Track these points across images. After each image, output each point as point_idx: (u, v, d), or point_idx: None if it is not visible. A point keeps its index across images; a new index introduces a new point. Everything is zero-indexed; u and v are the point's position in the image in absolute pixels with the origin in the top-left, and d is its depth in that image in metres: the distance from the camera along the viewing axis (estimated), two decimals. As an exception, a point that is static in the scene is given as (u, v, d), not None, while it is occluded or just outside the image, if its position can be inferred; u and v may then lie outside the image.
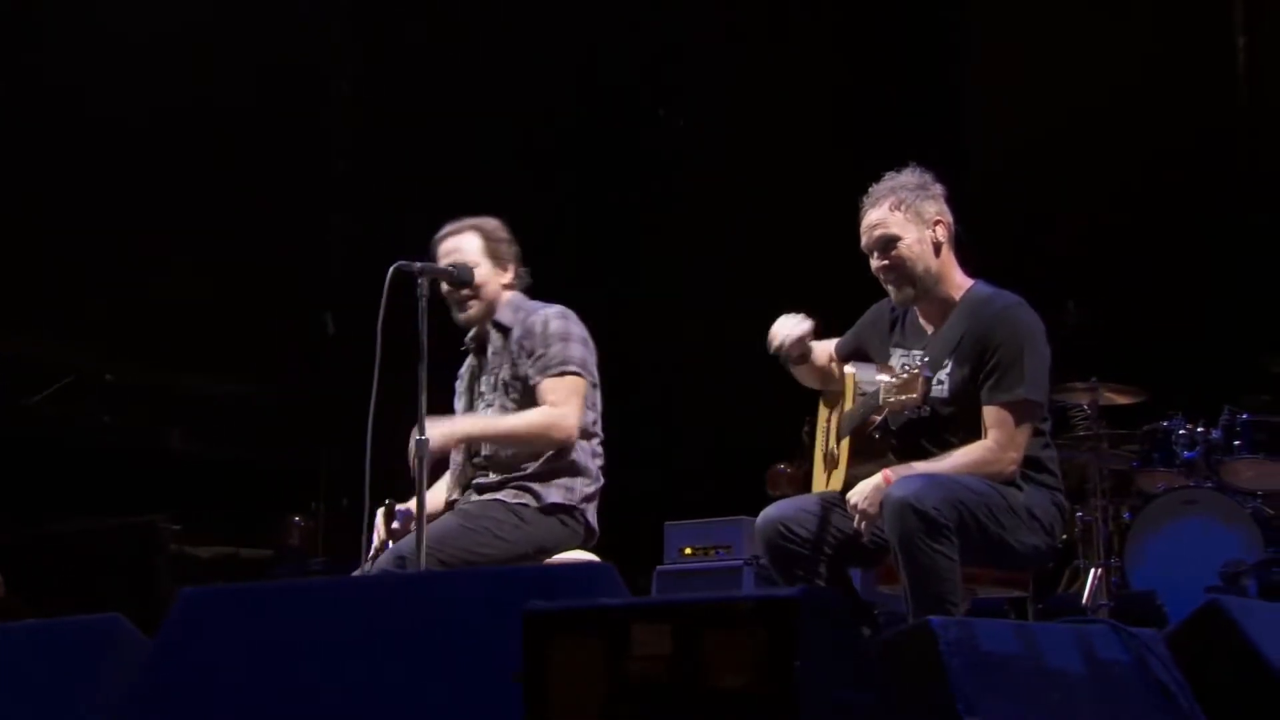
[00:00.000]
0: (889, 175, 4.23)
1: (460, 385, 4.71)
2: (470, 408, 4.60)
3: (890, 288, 4.21)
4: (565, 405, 4.33)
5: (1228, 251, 7.48)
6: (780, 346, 4.32)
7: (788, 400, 8.50)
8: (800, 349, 4.34)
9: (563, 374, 4.36)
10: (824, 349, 4.51)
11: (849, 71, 8.73)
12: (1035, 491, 4.03)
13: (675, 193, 9.08)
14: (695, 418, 8.48)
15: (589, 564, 3.99)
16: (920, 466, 3.96)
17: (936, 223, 4.14)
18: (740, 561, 7.31)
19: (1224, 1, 8.06)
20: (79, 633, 3.12)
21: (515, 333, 4.48)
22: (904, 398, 3.91)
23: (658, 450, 8.43)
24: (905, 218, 4.13)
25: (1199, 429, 6.58)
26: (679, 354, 8.76)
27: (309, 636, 2.93)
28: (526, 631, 2.39)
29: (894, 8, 8.72)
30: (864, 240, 4.21)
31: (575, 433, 4.34)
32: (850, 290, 8.19)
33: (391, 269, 4.12)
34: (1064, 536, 4.25)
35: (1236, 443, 6.49)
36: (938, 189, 4.21)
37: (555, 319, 4.46)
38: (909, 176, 4.21)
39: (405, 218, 9.38)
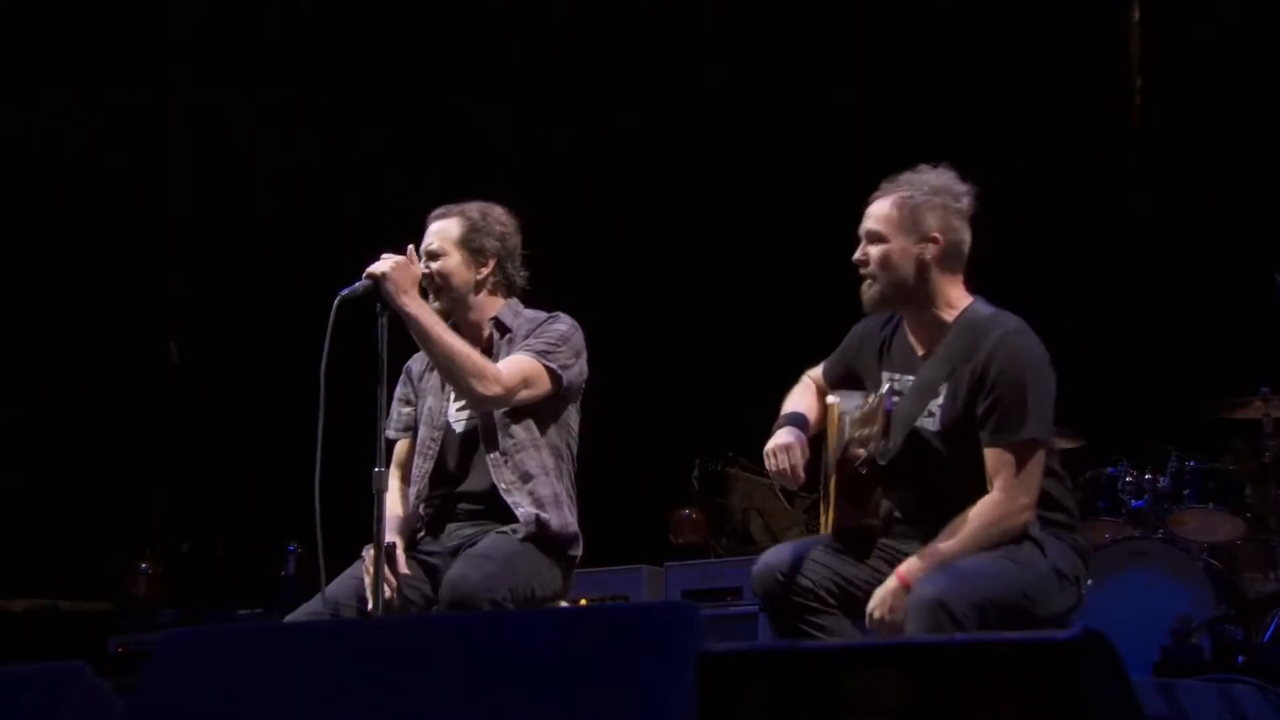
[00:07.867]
0: (923, 167, 3.72)
1: (419, 385, 4.18)
2: (433, 409, 4.08)
3: (864, 284, 3.71)
4: (509, 378, 3.87)
5: (1163, 292, 7.22)
6: (791, 472, 3.72)
7: (683, 446, 8.14)
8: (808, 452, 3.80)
9: (533, 355, 3.93)
10: (814, 391, 3.99)
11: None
12: (1053, 542, 3.60)
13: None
14: (592, 463, 7.92)
15: (669, 603, 3.48)
16: (940, 549, 3.52)
17: (931, 239, 3.64)
18: (640, 615, 6.75)
19: (1122, 40, 7.86)
20: (36, 683, 2.60)
21: (521, 331, 4.03)
22: (865, 431, 3.54)
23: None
24: (900, 222, 3.64)
25: (1146, 476, 6.20)
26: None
27: (325, 688, 2.38)
28: (705, 678, 2.00)
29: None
30: (861, 225, 3.76)
31: (502, 394, 3.85)
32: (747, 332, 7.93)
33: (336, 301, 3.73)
34: (1089, 582, 3.80)
35: (1186, 491, 6.15)
36: (954, 199, 3.67)
37: (564, 323, 4.04)
38: (932, 176, 3.70)
39: (249, 241, 8.81)
